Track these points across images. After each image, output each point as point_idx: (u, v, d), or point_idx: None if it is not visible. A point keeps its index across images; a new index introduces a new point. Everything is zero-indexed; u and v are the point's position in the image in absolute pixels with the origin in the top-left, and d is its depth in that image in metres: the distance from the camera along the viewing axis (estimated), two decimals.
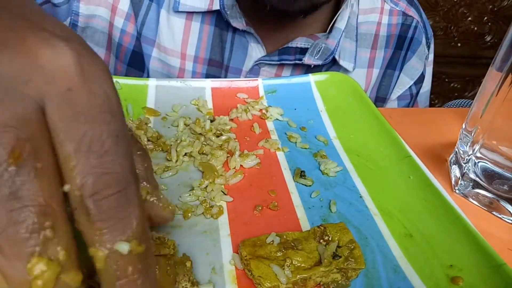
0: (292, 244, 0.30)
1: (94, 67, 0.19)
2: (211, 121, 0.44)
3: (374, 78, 0.67)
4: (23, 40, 0.18)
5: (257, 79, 0.51)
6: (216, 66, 0.63)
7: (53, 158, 0.17)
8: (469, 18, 1.54)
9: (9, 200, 0.16)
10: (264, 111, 0.48)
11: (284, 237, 0.31)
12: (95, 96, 0.18)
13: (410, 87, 0.69)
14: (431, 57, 0.71)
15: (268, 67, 0.62)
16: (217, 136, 0.42)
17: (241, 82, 0.51)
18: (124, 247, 0.17)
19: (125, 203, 0.18)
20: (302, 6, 0.53)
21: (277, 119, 0.47)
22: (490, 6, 1.51)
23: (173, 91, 0.48)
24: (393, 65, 0.68)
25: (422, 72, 0.69)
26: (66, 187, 0.17)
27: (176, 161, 0.38)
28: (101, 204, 0.17)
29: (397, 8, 0.65)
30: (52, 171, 0.17)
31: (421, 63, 0.68)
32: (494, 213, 0.38)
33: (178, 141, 0.40)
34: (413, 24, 0.66)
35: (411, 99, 0.71)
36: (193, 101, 0.48)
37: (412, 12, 0.66)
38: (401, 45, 0.67)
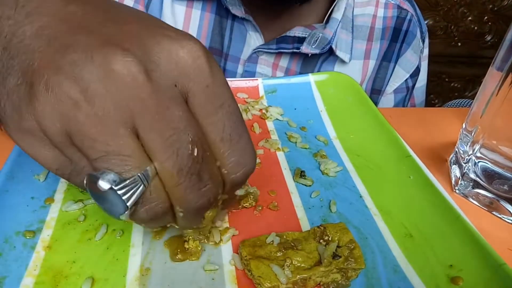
0: (292, 244, 0.30)
1: (214, 61, 0.23)
2: None
3: (370, 69, 0.68)
4: (159, 43, 0.21)
5: (257, 79, 0.51)
6: (216, 54, 0.63)
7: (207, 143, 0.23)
8: (469, 18, 1.54)
9: (198, 181, 0.22)
10: (264, 111, 0.48)
11: (284, 237, 0.31)
12: (224, 89, 0.23)
13: (406, 80, 0.70)
14: (426, 51, 0.72)
15: (266, 56, 0.63)
16: None
17: (241, 82, 0.51)
18: (241, 191, 0.33)
19: (248, 176, 0.25)
20: None
21: (277, 119, 0.47)
22: (490, 6, 1.51)
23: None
24: (388, 57, 0.68)
25: (418, 66, 0.70)
26: (218, 163, 0.24)
27: None
28: (239, 179, 0.25)
29: (392, 2, 0.67)
30: (212, 155, 0.23)
31: (416, 56, 0.69)
32: (494, 213, 0.38)
33: None
34: (408, 17, 0.67)
35: (407, 92, 0.72)
36: None
37: (406, 5, 0.67)
38: (396, 37, 0.68)
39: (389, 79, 0.70)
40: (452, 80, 1.69)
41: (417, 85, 0.73)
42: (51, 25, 0.21)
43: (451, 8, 1.51)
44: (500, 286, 0.28)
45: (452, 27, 1.55)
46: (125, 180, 0.21)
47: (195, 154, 0.22)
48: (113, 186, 0.20)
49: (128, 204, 0.21)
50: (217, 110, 0.23)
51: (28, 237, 0.30)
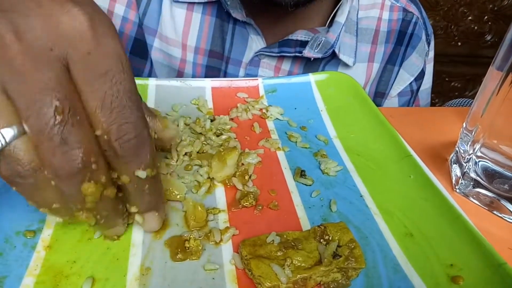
0: (292, 243, 0.30)
1: (106, 29, 0.23)
2: (211, 120, 0.44)
3: (374, 72, 0.67)
4: (41, 5, 0.21)
5: (257, 79, 0.51)
6: (216, 58, 0.63)
7: (83, 110, 0.22)
8: (469, 17, 1.54)
9: (61, 145, 0.22)
10: (264, 110, 0.48)
11: (285, 236, 0.31)
12: (110, 58, 0.22)
13: (410, 83, 0.69)
14: (431, 54, 0.71)
15: (268, 59, 0.62)
16: (217, 136, 0.42)
17: (241, 82, 0.51)
18: (142, 174, 0.25)
19: (140, 144, 0.24)
20: None
21: (277, 118, 0.47)
22: (490, 6, 1.51)
23: (173, 91, 0.48)
24: (393, 61, 0.68)
25: (423, 69, 0.69)
26: (98, 132, 0.23)
27: (177, 160, 0.38)
28: (124, 146, 0.24)
29: (398, 4, 0.66)
30: (86, 121, 0.23)
31: (421, 60, 0.68)
32: (494, 212, 0.38)
33: (178, 141, 0.40)
34: (413, 20, 0.66)
35: (411, 95, 0.71)
36: (193, 100, 0.48)
37: (412, 8, 0.67)
38: (401, 40, 0.67)
39: (393, 83, 0.69)
40: (453, 79, 1.69)
41: (422, 87, 0.72)
42: None
43: (451, 8, 1.51)
44: (501, 285, 0.28)
45: (452, 26, 1.55)
46: None
47: (60, 116, 0.21)
48: None
49: None
50: (98, 78, 0.22)
51: (28, 237, 0.30)
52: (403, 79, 0.69)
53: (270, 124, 0.46)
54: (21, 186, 0.24)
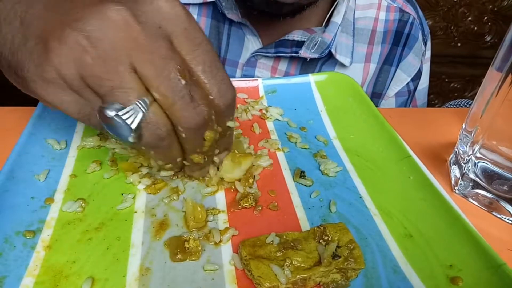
0: (292, 244, 0.30)
1: (190, 12, 0.28)
2: None
3: (371, 73, 0.68)
4: None
5: (256, 79, 0.51)
6: None
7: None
8: (469, 18, 1.54)
9: (191, 102, 0.27)
10: (264, 111, 0.48)
11: (284, 237, 0.31)
12: (200, 31, 0.28)
13: (407, 83, 0.70)
14: (428, 54, 0.71)
15: (265, 59, 0.62)
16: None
17: (241, 82, 0.51)
18: (232, 124, 0.32)
19: (234, 100, 0.31)
20: (290, 9, 0.53)
21: (277, 119, 0.47)
22: (490, 6, 1.51)
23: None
24: (389, 61, 0.68)
25: (419, 69, 0.69)
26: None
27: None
28: (225, 103, 0.29)
29: (394, 5, 0.66)
30: (197, 84, 0.28)
31: (417, 60, 0.69)
32: (493, 213, 0.38)
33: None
34: (410, 20, 0.66)
35: (408, 95, 0.71)
36: None
37: (408, 8, 0.67)
38: (398, 41, 0.67)
39: (390, 83, 0.69)
40: (452, 80, 1.69)
41: (419, 87, 0.72)
42: None
43: (451, 8, 1.51)
44: (500, 286, 0.28)
45: (452, 27, 1.55)
46: (128, 107, 0.26)
47: (185, 78, 0.27)
48: (118, 113, 0.26)
49: (131, 126, 0.26)
50: (196, 47, 0.27)
51: (28, 237, 0.30)
52: (400, 80, 0.69)
53: (270, 125, 0.46)
54: (159, 149, 0.29)
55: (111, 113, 0.26)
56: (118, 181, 0.36)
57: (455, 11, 1.52)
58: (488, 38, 1.59)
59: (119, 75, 0.26)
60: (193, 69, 0.27)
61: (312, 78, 0.52)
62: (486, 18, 1.54)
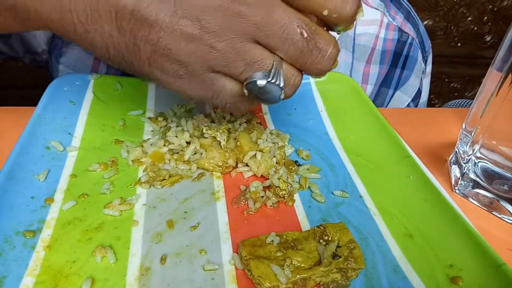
0: (292, 244, 0.30)
1: None
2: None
3: (368, 94, 0.65)
4: None
5: None
6: None
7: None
8: (469, 18, 1.54)
9: (319, 52, 0.30)
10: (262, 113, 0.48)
11: (284, 237, 0.31)
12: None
13: (408, 104, 0.68)
14: (428, 68, 0.68)
15: None
16: (229, 132, 0.41)
17: None
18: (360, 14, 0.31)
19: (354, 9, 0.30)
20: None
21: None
22: (490, 6, 1.51)
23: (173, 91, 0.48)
24: (387, 83, 0.66)
25: (419, 88, 0.67)
26: (325, 12, 0.29)
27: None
28: (350, 8, 0.29)
29: (394, 23, 0.63)
30: (318, 25, 0.30)
31: (418, 80, 0.66)
32: (494, 213, 0.38)
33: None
34: (408, 41, 0.63)
35: None
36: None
37: (408, 28, 0.64)
38: (396, 62, 0.64)
39: (387, 105, 0.67)
40: (452, 80, 1.69)
41: (420, 101, 0.70)
42: None
43: (451, 8, 1.51)
44: (500, 286, 0.28)
45: (452, 27, 1.55)
46: (270, 72, 0.29)
47: (305, 35, 0.29)
48: (268, 80, 0.29)
49: (281, 86, 0.29)
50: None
51: (28, 237, 0.30)
52: (401, 101, 0.67)
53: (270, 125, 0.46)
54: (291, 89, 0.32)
55: (263, 82, 0.29)
56: (118, 181, 0.36)
57: (455, 11, 1.52)
58: (488, 38, 1.59)
59: (248, 52, 0.29)
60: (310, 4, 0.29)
61: (312, 78, 0.52)
62: (486, 18, 1.54)
